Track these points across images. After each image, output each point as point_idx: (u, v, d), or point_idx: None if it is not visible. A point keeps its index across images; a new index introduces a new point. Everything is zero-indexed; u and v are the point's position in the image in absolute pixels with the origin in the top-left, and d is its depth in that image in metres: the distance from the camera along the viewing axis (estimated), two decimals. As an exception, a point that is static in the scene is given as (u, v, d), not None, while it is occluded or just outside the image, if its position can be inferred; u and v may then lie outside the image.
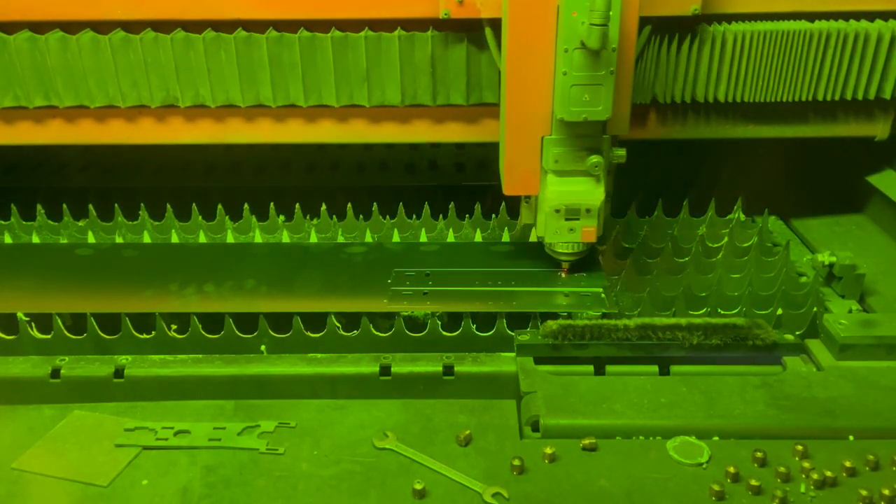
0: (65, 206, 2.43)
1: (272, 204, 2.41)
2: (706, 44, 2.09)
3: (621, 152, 1.91)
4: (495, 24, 1.99)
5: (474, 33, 2.09)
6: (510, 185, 1.98)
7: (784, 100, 2.15)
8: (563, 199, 1.92)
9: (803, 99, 2.15)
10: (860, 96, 2.16)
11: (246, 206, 2.41)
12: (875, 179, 2.43)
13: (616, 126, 1.89)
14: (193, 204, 2.42)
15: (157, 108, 2.21)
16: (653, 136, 2.28)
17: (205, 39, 2.10)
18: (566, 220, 1.95)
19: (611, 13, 1.67)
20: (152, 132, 2.27)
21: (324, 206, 2.41)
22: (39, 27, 2.12)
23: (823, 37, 2.08)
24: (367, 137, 2.28)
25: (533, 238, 2.26)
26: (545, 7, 1.75)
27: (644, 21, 1.98)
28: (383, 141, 2.30)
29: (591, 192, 1.91)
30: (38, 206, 2.42)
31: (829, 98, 2.16)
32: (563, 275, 2.07)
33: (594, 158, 1.86)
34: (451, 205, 2.37)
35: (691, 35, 2.09)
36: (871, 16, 2.11)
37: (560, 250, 2.03)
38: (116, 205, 2.42)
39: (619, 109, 1.84)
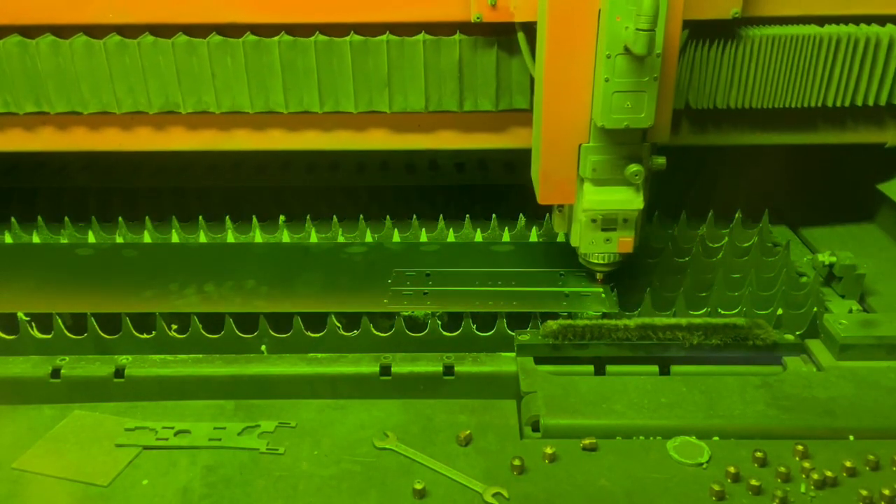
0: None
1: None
2: (737, 48, 2.03)
3: (661, 160, 1.84)
4: (528, 28, 1.95)
5: (504, 37, 2.04)
6: (545, 194, 1.92)
7: (794, 106, 2.10)
8: (601, 208, 1.86)
9: (813, 105, 2.10)
10: (871, 102, 2.11)
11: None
12: (886, 187, 2.37)
13: (656, 133, 1.83)
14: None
15: (155, 115, 2.14)
16: (675, 143, 2.16)
17: (209, 44, 2.05)
18: (602, 230, 1.91)
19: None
20: (150, 139, 2.21)
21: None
22: (30, 31, 2.07)
23: (833, 42, 2.03)
24: (388, 144, 2.22)
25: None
26: (586, 11, 1.70)
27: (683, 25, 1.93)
28: (405, 148, 2.23)
29: (630, 201, 1.85)
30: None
31: (838, 104, 2.10)
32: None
33: (634, 167, 1.80)
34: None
35: (722, 40, 2.04)
36: (881, 20, 2.06)
37: (595, 261, 1.99)
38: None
39: (660, 116, 1.79)
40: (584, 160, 1.83)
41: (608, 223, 1.89)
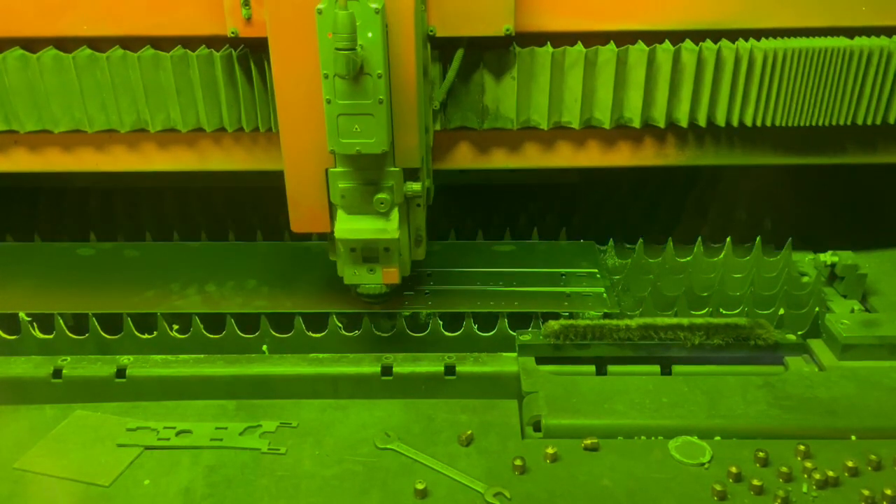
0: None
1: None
2: (750, 63, 1.86)
3: (416, 186, 1.71)
4: None
5: None
6: (297, 222, 1.79)
7: (821, 124, 1.92)
8: (354, 237, 1.73)
9: (841, 123, 1.92)
10: (891, 120, 1.94)
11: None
12: None
13: (405, 158, 1.70)
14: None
15: (127, 133, 1.98)
16: (694, 163, 2.08)
17: (173, 58, 1.89)
18: (364, 260, 1.78)
19: (371, 35, 1.51)
20: (123, 159, 2.05)
21: None
22: None
23: (865, 55, 1.85)
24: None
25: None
26: (308, 26, 1.55)
27: (456, 42, 1.83)
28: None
29: (384, 230, 1.71)
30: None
31: (868, 122, 1.93)
32: None
33: (380, 195, 1.67)
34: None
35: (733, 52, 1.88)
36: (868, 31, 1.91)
37: (363, 291, 1.87)
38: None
39: (404, 141, 1.67)
40: (333, 186, 1.71)
41: (369, 252, 1.77)
